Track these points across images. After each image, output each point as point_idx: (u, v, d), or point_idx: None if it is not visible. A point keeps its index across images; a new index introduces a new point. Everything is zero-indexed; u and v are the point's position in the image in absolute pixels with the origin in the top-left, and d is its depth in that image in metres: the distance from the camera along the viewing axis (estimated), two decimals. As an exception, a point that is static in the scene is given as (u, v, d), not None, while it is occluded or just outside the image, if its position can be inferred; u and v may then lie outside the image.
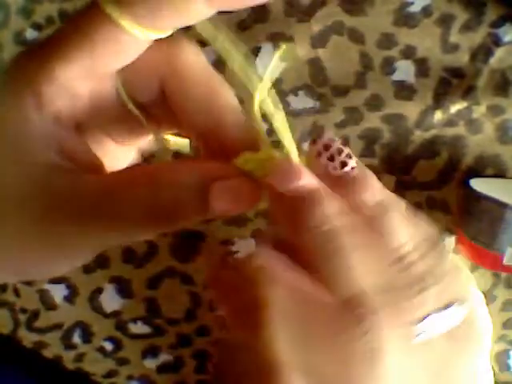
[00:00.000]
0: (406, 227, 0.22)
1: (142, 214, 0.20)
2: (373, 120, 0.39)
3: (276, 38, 0.38)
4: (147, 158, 0.38)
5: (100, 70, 0.20)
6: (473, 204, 0.38)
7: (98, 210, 0.20)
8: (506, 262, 0.36)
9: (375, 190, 0.22)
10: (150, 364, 0.43)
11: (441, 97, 0.39)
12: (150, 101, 0.23)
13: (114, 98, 0.22)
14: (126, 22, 0.19)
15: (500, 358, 0.43)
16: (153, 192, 0.19)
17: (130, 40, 0.20)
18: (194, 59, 0.22)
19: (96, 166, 0.22)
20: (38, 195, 0.20)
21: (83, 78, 0.20)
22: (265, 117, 0.21)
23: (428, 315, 0.21)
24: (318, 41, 0.38)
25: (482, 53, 0.38)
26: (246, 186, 0.20)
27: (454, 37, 0.38)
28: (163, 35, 0.20)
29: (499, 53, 0.38)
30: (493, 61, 0.38)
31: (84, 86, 0.21)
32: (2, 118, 0.20)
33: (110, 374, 0.43)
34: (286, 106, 0.39)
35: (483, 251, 0.37)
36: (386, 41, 0.38)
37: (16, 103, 0.20)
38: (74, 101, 0.21)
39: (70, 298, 0.42)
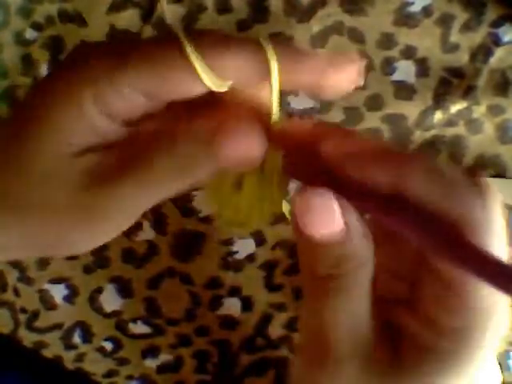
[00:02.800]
0: None
1: (163, 167, 0.22)
2: (373, 120, 0.39)
3: (276, 38, 0.38)
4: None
5: (160, 96, 0.22)
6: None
7: (126, 170, 0.22)
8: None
9: None
10: (150, 364, 0.43)
11: (441, 97, 0.39)
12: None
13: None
14: (203, 73, 0.21)
15: (500, 359, 0.43)
16: (170, 148, 0.22)
17: (197, 86, 0.22)
18: None
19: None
20: (69, 172, 0.22)
21: (144, 96, 0.22)
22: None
23: None
24: (318, 41, 0.38)
25: (482, 53, 0.38)
26: (254, 130, 0.22)
27: (454, 37, 0.38)
28: (223, 89, 0.22)
29: (499, 53, 0.38)
30: (493, 61, 0.38)
31: (141, 104, 0.22)
32: (58, 103, 0.22)
33: (110, 374, 0.43)
34: (286, 106, 0.39)
35: None
36: (386, 41, 0.38)
37: (75, 93, 0.22)
38: (129, 111, 0.22)
39: (69, 298, 0.42)
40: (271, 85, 0.22)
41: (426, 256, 0.21)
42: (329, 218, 0.20)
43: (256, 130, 0.22)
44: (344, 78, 0.22)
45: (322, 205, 0.20)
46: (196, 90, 0.22)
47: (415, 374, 0.21)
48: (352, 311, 0.21)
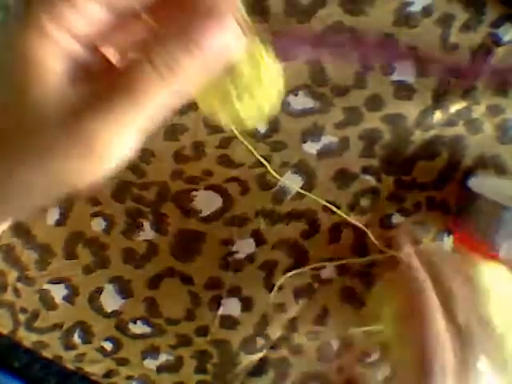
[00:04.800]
0: None
1: (148, 81, 0.21)
2: (373, 120, 0.39)
3: (276, 38, 0.38)
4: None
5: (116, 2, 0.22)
6: (470, 203, 0.38)
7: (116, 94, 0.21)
8: (502, 256, 0.36)
9: None
10: (150, 364, 0.43)
11: (440, 97, 0.39)
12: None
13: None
14: None
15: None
16: (152, 61, 0.22)
17: None
18: None
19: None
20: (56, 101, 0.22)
21: (100, 5, 0.22)
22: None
23: None
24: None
25: (482, 53, 0.38)
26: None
27: (454, 36, 0.38)
28: None
29: (499, 53, 0.38)
30: (493, 61, 0.38)
31: (101, 17, 0.22)
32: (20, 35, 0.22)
33: (110, 374, 0.43)
34: (286, 105, 0.39)
35: (480, 247, 0.37)
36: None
37: (34, 15, 0.22)
38: (91, 27, 0.22)
39: (69, 298, 0.42)
40: None
41: None
42: None
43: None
44: None
45: None
46: None
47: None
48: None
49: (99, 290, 0.42)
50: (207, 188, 0.40)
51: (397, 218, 0.41)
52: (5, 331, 0.43)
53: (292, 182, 0.40)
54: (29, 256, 0.41)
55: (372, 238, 0.40)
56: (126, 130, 0.22)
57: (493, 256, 0.36)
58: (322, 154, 0.40)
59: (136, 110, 0.22)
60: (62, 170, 0.23)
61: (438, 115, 0.39)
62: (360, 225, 0.40)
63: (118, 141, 0.22)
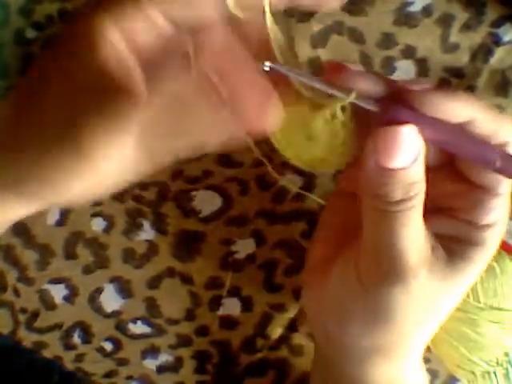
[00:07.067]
0: None
1: None
2: (373, 120, 0.39)
3: (276, 38, 0.37)
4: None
5: (185, 20, 0.23)
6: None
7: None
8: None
9: None
10: (150, 364, 0.43)
11: (441, 97, 0.39)
12: None
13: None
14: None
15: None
16: None
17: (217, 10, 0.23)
18: None
19: None
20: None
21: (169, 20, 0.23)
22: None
23: None
24: (318, 41, 0.38)
25: (482, 53, 0.38)
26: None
27: (454, 36, 0.38)
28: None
29: (499, 53, 0.38)
30: (493, 61, 0.38)
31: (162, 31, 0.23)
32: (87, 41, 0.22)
33: (110, 375, 0.43)
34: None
35: None
36: (386, 40, 0.38)
37: (99, 30, 0.22)
38: (153, 40, 0.23)
39: (69, 298, 0.42)
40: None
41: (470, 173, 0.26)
42: (409, 151, 0.23)
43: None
44: None
45: (407, 139, 0.23)
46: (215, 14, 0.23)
47: (465, 266, 0.26)
48: (418, 225, 0.25)
49: (99, 290, 0.42)
50: (207, 188, 0.40)
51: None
52: (4, 331, 0.43)
53: (292, 182, 0.40)
54: (29, 256, 0.41)
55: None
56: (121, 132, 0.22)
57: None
58: (322, 153, 0.40)
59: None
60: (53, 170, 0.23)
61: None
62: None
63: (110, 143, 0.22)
